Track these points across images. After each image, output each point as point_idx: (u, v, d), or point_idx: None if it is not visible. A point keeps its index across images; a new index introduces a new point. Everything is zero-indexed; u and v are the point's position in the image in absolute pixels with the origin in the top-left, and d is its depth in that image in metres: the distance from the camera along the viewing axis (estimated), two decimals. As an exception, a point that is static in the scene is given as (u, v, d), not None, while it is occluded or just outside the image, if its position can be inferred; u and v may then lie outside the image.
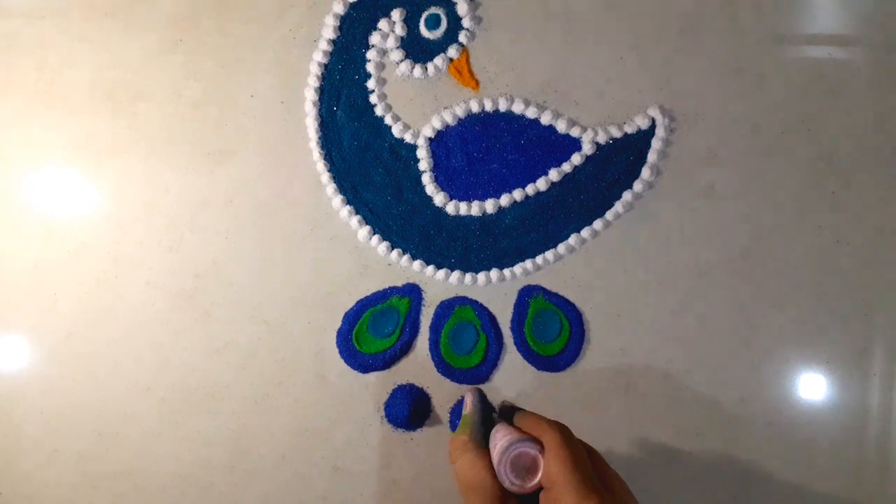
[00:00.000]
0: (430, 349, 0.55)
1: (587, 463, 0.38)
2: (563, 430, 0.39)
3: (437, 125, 0.55)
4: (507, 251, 0.55)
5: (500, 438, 0.39)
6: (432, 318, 0.55)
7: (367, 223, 0.55)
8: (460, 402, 0.55)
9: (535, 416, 0.41)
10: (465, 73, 0.55)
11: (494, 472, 0.39)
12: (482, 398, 0.45)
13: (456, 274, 0.55)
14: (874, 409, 0.55)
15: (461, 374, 0.55)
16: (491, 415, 0.44)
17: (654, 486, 0.55)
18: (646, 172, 0.55)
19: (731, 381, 0.55)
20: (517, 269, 0.55)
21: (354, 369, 0.56)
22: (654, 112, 0.54)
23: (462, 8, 0.54)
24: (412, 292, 0.56)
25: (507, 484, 0.38)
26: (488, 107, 0.55)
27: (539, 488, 0.38)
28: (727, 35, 0.54)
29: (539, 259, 0.55)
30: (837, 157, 0.55)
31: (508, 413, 0.45)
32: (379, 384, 0.56)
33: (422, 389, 0.56)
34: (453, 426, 0.55)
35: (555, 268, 0.56)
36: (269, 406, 0.56)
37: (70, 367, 0.56)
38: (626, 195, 0.55)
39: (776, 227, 0.55)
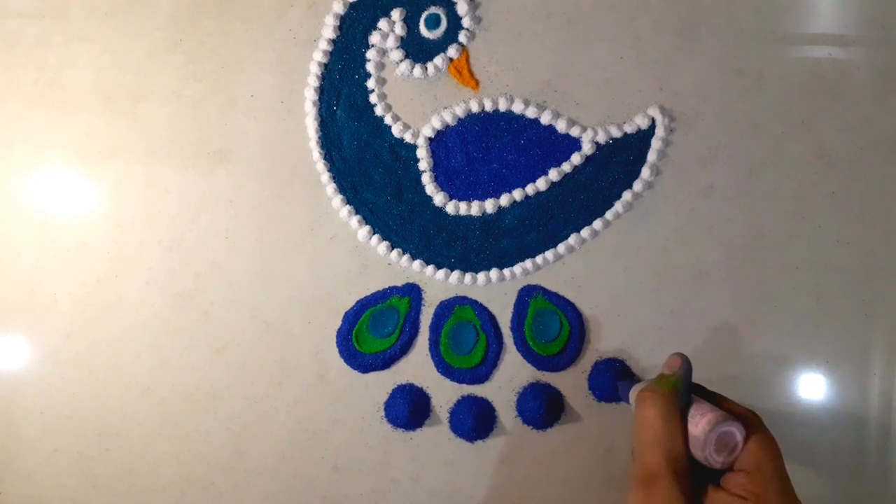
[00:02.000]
0: (430, 349, 0.55)
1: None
2: (765, 428, 0.41)
3: (437, 125, 0.55)
4: (507, 251, 0.55)
5: (709, 411, 0.40)
6: (432, 318, 0.55)
7: (367, 223, 0.55)
8: (461, 400, 0.55)
9: (735, 405, 0.43)
10: (465, 72, 0.55)
11: (684, 435, 0.40)
12: (689, 369, 0.45)
13: (456, 274, 0.55)
14: (874, 409, 0.55)
15: (461, 373, 0.55)
16: (689, 387, 0.45)
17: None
18: (646, 172, 0.55)
19: (731, 381, 0.55)
20: (517, 269, 0.55)
21: (354, 369, 0.55)
22: (653, 112, 0.54)
23: (462, 8, 0.54)
24: (412, 292, 0.56)
25: (702, 453, 0.39)
26: (488, 107, 0.55)
27: (724, 469, 0.39)
28: (727, 35, 0.54)
29: (539, 259, 0.55)
30: (837, 158, 0.55)
31: (702, 394, 0.45)
32: (379, 384, 0.56)
33: (421, 389, 0.56)
34: (453, 426, 0.55)
35: (555, 268, 0.55)
36: (269, 406, 0.56)
37: (70, 367, 0.56)
38: (626, 195, 0.55)
39: (776, 227, 0.55)
